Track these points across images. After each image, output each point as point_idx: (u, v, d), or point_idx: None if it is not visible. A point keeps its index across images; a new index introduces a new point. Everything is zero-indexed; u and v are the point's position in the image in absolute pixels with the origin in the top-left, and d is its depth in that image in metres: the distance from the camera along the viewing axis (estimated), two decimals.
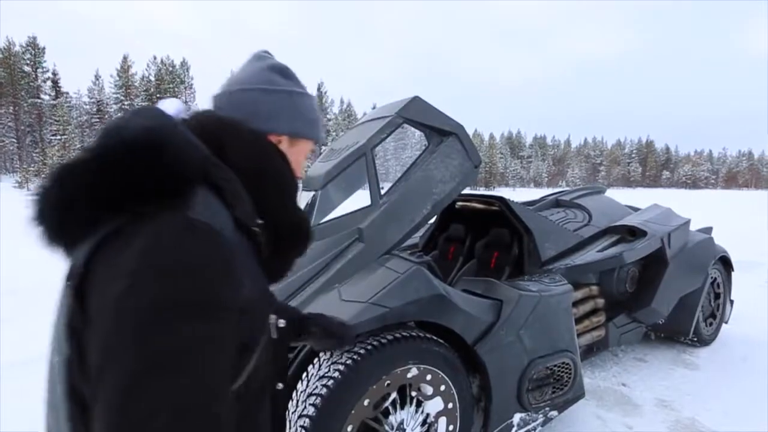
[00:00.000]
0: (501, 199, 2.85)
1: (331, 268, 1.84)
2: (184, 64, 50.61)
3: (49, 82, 40.49)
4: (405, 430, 1.48)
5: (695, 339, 3.19)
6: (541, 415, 1.87)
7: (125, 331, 0.38)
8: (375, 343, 1.43)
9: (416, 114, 2.22)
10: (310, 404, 1.31)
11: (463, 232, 3.35)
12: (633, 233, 2.86)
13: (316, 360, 1.46)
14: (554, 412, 1.92)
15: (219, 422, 0.41)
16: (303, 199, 2.33)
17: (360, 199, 2.13)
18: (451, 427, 1.60)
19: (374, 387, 1.39)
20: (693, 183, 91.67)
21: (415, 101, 2.24)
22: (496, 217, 2.99)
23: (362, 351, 1.39)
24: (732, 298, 3.56)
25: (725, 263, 3.45)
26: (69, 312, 0.43)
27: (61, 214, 0.44)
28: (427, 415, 1.55)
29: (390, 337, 1.46)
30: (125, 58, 45.66)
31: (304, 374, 1.45)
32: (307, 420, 1.29)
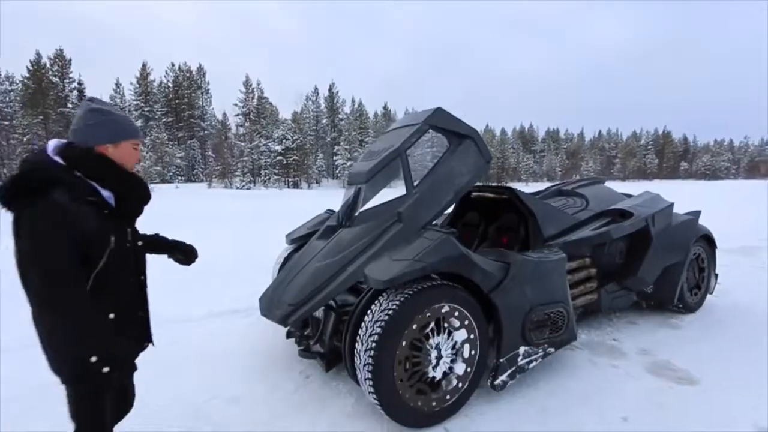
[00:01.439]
0: (509, 189, 3.44)
1: (378, 242, 2.45)
2: (200, 69, 52.14)
3: (75, 92, 42.34)
4: (440, 350, 2.09)
5: (681, 306, 3.71)
6: (541, 350, 2.45)
7: (31, 241, 1.16)
8: (418, 287, 2.04)
9: (439, 121, 2.82)
10: (377, 327, 1.94)
11: (477, 218, 3.94)
12: (623, 215, 3.40)
13: (377, 300, 2.08)
14: (551, 349, 2.51)
15: (57, 276, 1.14)
16: (350, 190, 2.97)
17: (387, 194, 2.78)
18: (473, 352, 2.20)
19: (419, 316, 2.01)
20: (712, 173, 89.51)
21: (438, 111, 2.85)
22: (505, 204, 3.57)
23: (411, 292, 2.01)
24: (716, 272, 4.06)
25: (709, 241, 3.96)
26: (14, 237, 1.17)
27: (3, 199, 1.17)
28: (455, 342, 2.15)
29: (429, 284, 2.07)
30: (144, 66, 47.28)
31: (369, 311, 2.07)
32: (376, 337, 1.92)
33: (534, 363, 2.43)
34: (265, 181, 42.69)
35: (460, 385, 2.17)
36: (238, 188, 36.15)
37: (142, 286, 1.48)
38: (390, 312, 1.95)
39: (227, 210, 15.96)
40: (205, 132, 51.20)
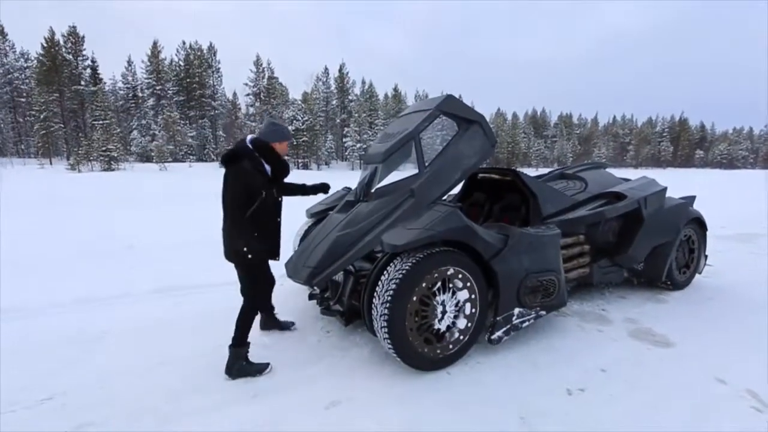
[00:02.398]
0: (513, 171, 3.72)
1: (393, 215, 2.78)
2: (211, 48, 51.93)
3: (88, 70, 42.72)
4: (445, 306, 2.44)
5: (669, 283, 4.00)
6: (533, 312, 2.79)
7: (232, 182, 2.47)
8: (428, 252, 2.37)
9: (450, 108, 3.10)
10: (393, 284, 2.28)
11: (483, 198, 4.23)
12: (618, 197, 3.67)
13: (392, 263, 2.43)
14: (543, 312, 2.84)
15: (236, 201, 2.44)
16: (367, 169, 3.27)
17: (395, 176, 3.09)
18: (473, 310, 2.55)
19: (428, 276, 2.35)
20: (729, 162, 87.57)
21: (449, 98, 3.12)
22: (509, 185, 3.86)
23: (421, 256, 2.35)
24: (706, 253, 4.33)
25: (700, 224, 4.21)
26: (225, 178, 2.50)
27: (222, 162, 2.48)
28: (458, 300, 2.50)
29: (437, 249, 2.40)
30: (155, 44, 47.23)
31: (385, 271, 2.41)
32: (392, 292, 2.26)
33: (527, 323, 2.77)
34: None
35: (461, 337, 2.52)
36: None
37: (278, 224, 2.67)
38: (404, 272, 2.28)
39: None
40: (216, 112, 51.43)
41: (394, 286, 2.27)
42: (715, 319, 3.37)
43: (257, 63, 52.39)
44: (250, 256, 2.37)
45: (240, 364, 2.41)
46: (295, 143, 44.05)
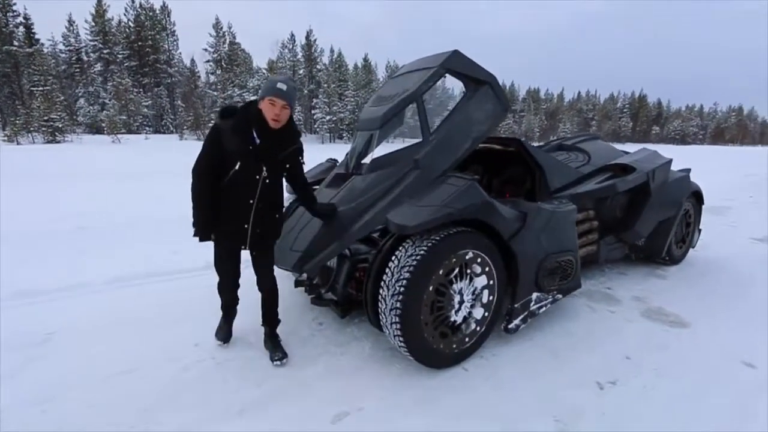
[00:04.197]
0: (517, 141, 3.39)
1: (396, 189, 2.39)
2: (164, 8, 47.45)
3: (21, 28, 37.90)
4: (463, 294, 2.12)
5: (667, 258, 3.91)
6: (550, 296, 2.55)
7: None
8: (445, 233, 2.03)
9: (457, 65, 2.68)
10: (405, 272, 1.93)
11: (481, 170, 3.91)
12: (625, 170, 3.45)
13: (402, 246, 2.06)
14: (560, 296, 2.61)
15: (202, 162, 1.98)
16: (360, 137, 2.84)
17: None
18: (491, 297, 2.25)
19: (446, 262, 2.01)
20: (681, 138, 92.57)
21: (456, 54, 2.70)
22: (511, 156, 3.55)
23: (437, 238, 2.00)
24: (700, 227, 4.28)
25: (697, 197, 4.12)
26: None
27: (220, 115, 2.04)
28: (476, 287, 2.19)
29: (455, 230, 2.06)
30: (99, 2, 42.53)
31: (394, 257, 2.05)
32: (404, 282, 1.91)
33: (544, 308, 2.52)
34: None
35: (478, 328, 2.23)
36: None
37: (250, 208, 2.01)
38: (418, 257, 1.93)
39: None
40: (173, 79, 47.66)
41: (407, 275, 1.91)
42: (719, 295, 3.30)
43: (217, 27, 48.58)
44: (194, 231, 2.01)
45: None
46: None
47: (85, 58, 42.64)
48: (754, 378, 2.15)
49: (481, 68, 2.74)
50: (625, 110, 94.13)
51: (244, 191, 1.96)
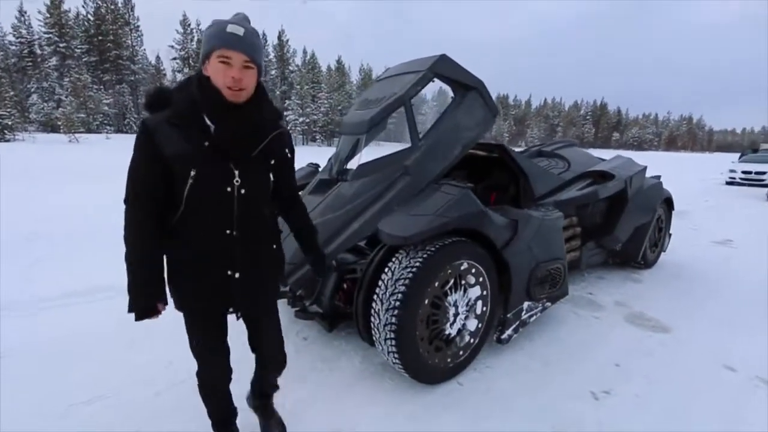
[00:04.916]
0: (501, 147, 3.38)
1: (385, 196, 2.30)
2: (127, 3, 45.25)
3: None
4: (458, 307, 2.05)
5: (642, 262, 4.03)
6: (540, 305, 2.53)
7: None
8: (440, 244, 1.95)
9: (445, 70, 2.63)
10: (400, 285, 1.83)
11: (464, 176, 3.88)
12: (603, 177, 3.52)
13: (395, 257, 1.97)
14: (549, 303, 2.60)
15: (133, 183, 1.14)
16: (346, 142, 2.74)
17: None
18: (484, 308, 2.20)
19: (441, 274, 1.93)
20: (638, 145, 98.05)
21: (444, 59, 2.65)
22: (494, 162, 3.54)
23: (433, 249, 1.92)
24: (671, 232, 4.45)
25: (668, 203, 4.29)
26: None
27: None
28: (470, 298, 2.13)
29: (449, 240, 1.98)
30: None
31: (387, 268, 1.95)
32: (400, 296, 1.82)
33: (534, 317, 2.50)
34: None
35: (471, 340, 2.17)
36: None
37: (234, 243, 1.21)
38: (414, 269, 1.84)
39: None
40: (137, 76, 45.48)
41: (402, 288, 1.82)
42: (692, 298, 3.41)
43: (184, 23, 46.91)
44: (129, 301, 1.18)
45: None
46: None
47: (39, 52, 39.90)
48: (737, 382, 2.20)
49: (469, 73, 2.70)
50: (587, 117, 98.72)
51: (212, 216, 1.17)
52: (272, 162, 1.27)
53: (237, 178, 1.17)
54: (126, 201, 1.15)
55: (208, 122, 1.14)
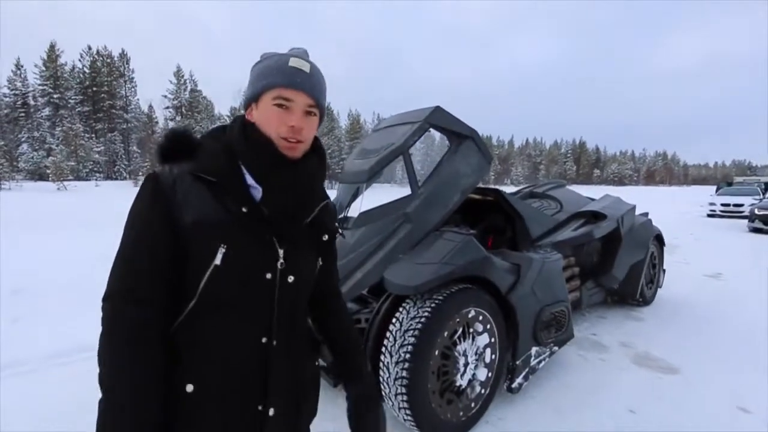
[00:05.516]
0: (496, 191, 3.48)
1: (387, 244, 2.31)
2: (123, 55, 47.02)
3: None
4: (467, 356, 2.01)
5: (641, 300, 4.05)
6: (548, 349, 2.49)
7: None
8: (447, 292, 1.95)
9: (439, 120, 2.75)
10: (410, 337, 1.80)
11: (460, 219, 3.95)
12: (596, 216, 3.62)
13: (401, 307, 1.95)
14: (556, 348, 2.56)
15: (128, 265, 0.72)
16: (345, 190, 2.79)
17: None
18: (493, 356, 2.16)
19: (450, 323, 1.91)
20: (619, 180, 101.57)
21: (438, 110, 2.78)
22: (489, 206, 3.62)
23: (441, 298, 1.91)
24: (664, 267, 4.52)
25: (659, 240, 4.39)
26: None
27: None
28: (478, 347, 2.09)
29: (456, 288, 1.98)
30: (52, 47, 41.47)
31: (394, 319, 1.92)
32: (409, 347, 1.78)
33: (543, 363, 2.45)
34: None
35: (482, 391, 2.11)
36: None
37: (271, 356, 0.79)
38: (422, 320, 1.82)
39: None
40: (129, 125, 46.27)
41: (412, 340, 1.79)
42: (695, 334, 3.41)
43: (178, 74, 48.65)
44: None
45: None
46: None
47: (32, 102, 40.59)
48: (753, 424, 2.15)
49: (463, 123, 2.83)
50: (568, 155, 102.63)
51: (242, 316, 0.77)
52: (325, 239, 0.91)
53: (282, 260, 0.79)
54: (109, 297, 0.70)
55: (250, 181, 0.79)
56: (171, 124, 47.37)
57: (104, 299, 0.71)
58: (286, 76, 0.79)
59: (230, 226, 0.75)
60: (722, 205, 14.67)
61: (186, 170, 0.76)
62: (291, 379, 0.83)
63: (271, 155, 0.79)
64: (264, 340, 0.78)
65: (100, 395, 0.67)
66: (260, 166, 0.79)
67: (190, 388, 0.73)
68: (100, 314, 0.70)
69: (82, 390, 2.42)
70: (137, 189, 0.77)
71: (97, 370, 0.68)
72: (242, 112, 0.85)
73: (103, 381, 0.68)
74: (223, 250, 0.73)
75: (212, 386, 0.74)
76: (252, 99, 0.82)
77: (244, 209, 0.77)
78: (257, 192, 0.79)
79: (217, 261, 0.73)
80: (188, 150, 0.79)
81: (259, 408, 0.78)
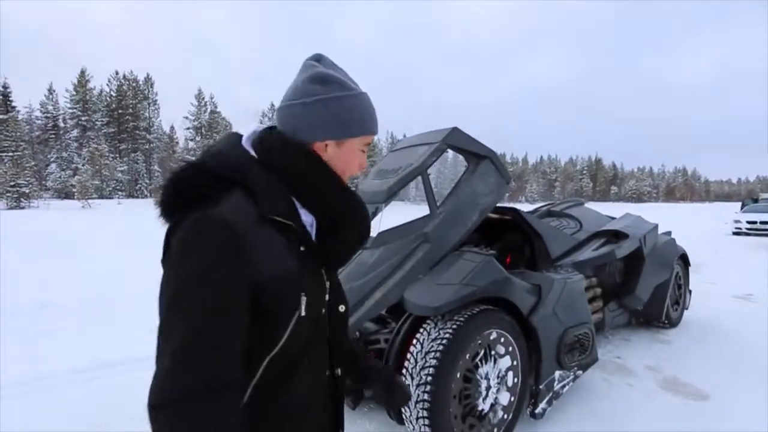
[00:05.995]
0: (514, 210, 3.47)
1: (407, 264, 2.32)
2: (148, 79, 49.25)
3: None
4: (489, 379, 1.98)
5: (666, 322, 3.91)
6: (571, 373, 2.42)
7: (167, 280, 0.59)
8: (468, 313, 1.94)
9: (457, 141, 2.79)
10: (430, 358, 1.79)
11: (478, 239, 3.93)
12: (617, 236, 3.56)
13: (422, 328, 1.94)
14: (580, 372, 2.49)
15: (201, 351, 0.55)
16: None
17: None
18: (516, 380, 2.11)
19: (471, 345, 1.89)
20: (638, 197, 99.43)
21: (455, 131, 2.82)
22: (507, 225, 3.60)
23: (462, 319, 1.90)
24: (690, 288, 4.37)
25: (684, 260, 4.26)
26: (163, 255, 0.65)
27: (161, 208, 0.65)
28: (500, 369, 2.05)
29: (477, 309, 1.97)
30: (83, 72, 43.77)
31: (415, 340, 1.92)
32: (431, 370, 1.77)
33: (567, 387, 2.39)
34: None
35: (505, 416, 2.06)
36: None
37: (338, 387, 0.80)
38: (444, 341, 1.81)
39: None
40: (152, 145, 48.02)
41: (434, 362, 1.78)
42: (725, 359, 3.27)
43: (199, 96, 50.57)
44: None
45: None
46: None
47: (62, 125, 42.66)
48: None
49: (480, 144, 2.86)
50: (584, 172, 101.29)
51: (316, 357, 0.75)
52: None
53: (328, 294, 0.77)
54: (172, 402, 0.53)
55: (305, 218, 0.72)
56: (191, 144, 48.95)
57: (173, 400, 0.53)
58: (375, 123, 0.78)
59: (304, 271, 0.68)
60: (748, 222, 14.18)
61: (253, 216, 0.63)
62: (342, 405, 0.84)
63: (350, 195, 0.76)
64: (327, 373, 0.78)
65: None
66: (336, 206, 0.74)
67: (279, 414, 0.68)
68: (164, 410, 0.53)
69: (107, 403, 2.46)
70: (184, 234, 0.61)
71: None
72: (296, 139, 0.72)
73: None
74: (305, 299, 0.67)
75: (296, 418, 0.70)
76: (342, 137, 0.74)
77: (306, 249, 0.69)
78: (312, 229, 0.74)
79: (302, 311, 0.67)
80: (228, 180, 0.65)
81: None
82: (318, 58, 0.77)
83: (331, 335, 0.78)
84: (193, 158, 0.70)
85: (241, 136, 0.74)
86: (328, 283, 0.76)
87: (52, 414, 2.39)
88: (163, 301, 0.59)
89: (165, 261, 0.63)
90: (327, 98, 0.71)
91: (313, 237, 0.73)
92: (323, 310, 0.74)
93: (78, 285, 5.58)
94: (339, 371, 0.80)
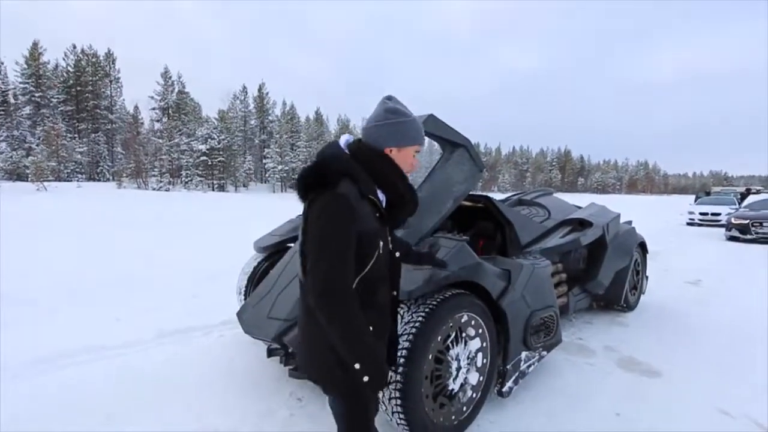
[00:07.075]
0: (487, 198, 3.55)
1: None
2: (109, 55, 46.14)
3: None
4: (460, 360, 2.04)
5: (625, 306, 4.15)
6: (537, 354, 2.54)
7: (315, 231, 1.10)
8: (441, 297, 1.98)
9: (433, 128, 2.80)
10: (404, 341, 1.82)
11: (450, 225, 4.00)
12: (582, 224, 3.72)
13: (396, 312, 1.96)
14: (545, 352, 2.61)
15: (344, 269, 1.07)
16: None
17: None
18: (484, 360, 2.19)
19: (444, 327, 1.94)
20: (602, 189, 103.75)
21: (431, 118, 2.83)
22: (479, 213, 3.68)
23: (434, 303, 1.94)
24: (647, 274, 4.64)
25: (642, 247, 4.51)
26: (303, 223, 1.17)
27: (299, 190, 1.17)
28: (470, 351, 2.12)
29: (450, 293, 2.02)
30: (35, 45, 40.45)
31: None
32: (405, 352, 1.80)
33: (532, 367, 2.50)
34: (186, 183, 39.06)
35: (474, 395, 2.14)
36: (154, 189, 32.55)
37: (394, 301, 1.36)
38: (417, 324, 1.85)
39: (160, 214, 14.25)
40: (114, 125, 45.33)
41: (407, 345, 1.81)
42: (677, 339, 3.51)
43: (165, 75, 47.96)
44: (366, 378, 1.08)
45: None
46: (210, 163, 40.78)
47: (12, 101, 39.43)
48: (734, 426, 2.23)
49: (456, 131, 2.88)
50: (554, 164, 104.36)
51: (384, 279, 1.25)
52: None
53: (390, 244, 1.30)
54: (334, 292, 1.04)
55: (381, 195, 1.24)
56: (157, 126, 46.64)
57: (329, 291, 1.04)
58: (423, 137, 1.34)
59: (381, 229, 1.21)
60: (701, 214, 15.12)
61: (356, 192, 1.13)
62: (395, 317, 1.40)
63: (407, 183, 1.29)
64: (394, 292, 1.35)
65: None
66: (400, 188, 1.26)
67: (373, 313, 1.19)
68: (325, 297, 1.04)
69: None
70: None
71: (328, 329, 1.07)
72: (343, 139, 1.27)
73: (348, 333, 1.06)
74: (381, 244, 1.19)
75: (376, 323, 1.19)
76: (401, 145, 1.25)
77: (380, 215, 1.21)
78: (384, 202, 1.26)
79: (380, 250, 1.18)
80: (344, 174, 1.15)
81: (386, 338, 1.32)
82: (390, 98, 1.28)
83: (391, 268, 1.30)
84: (315, 159, 1.20)
85: (339, 143, 1.24)
86: (389, 237, 1.29)
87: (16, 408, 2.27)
88: (315, 240, 1.09)
89: (306, 219, 1.15)
90: (392, 122, 1.23)
91: (383, 209, 1.24)
92: (389, 256, 1.28)
93: (36, 274, 5.27)
94: (396, 293, 1.36)
